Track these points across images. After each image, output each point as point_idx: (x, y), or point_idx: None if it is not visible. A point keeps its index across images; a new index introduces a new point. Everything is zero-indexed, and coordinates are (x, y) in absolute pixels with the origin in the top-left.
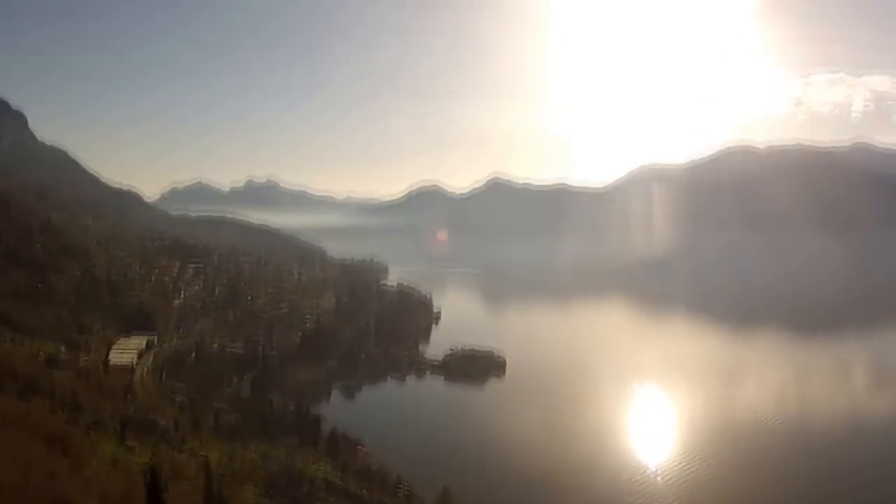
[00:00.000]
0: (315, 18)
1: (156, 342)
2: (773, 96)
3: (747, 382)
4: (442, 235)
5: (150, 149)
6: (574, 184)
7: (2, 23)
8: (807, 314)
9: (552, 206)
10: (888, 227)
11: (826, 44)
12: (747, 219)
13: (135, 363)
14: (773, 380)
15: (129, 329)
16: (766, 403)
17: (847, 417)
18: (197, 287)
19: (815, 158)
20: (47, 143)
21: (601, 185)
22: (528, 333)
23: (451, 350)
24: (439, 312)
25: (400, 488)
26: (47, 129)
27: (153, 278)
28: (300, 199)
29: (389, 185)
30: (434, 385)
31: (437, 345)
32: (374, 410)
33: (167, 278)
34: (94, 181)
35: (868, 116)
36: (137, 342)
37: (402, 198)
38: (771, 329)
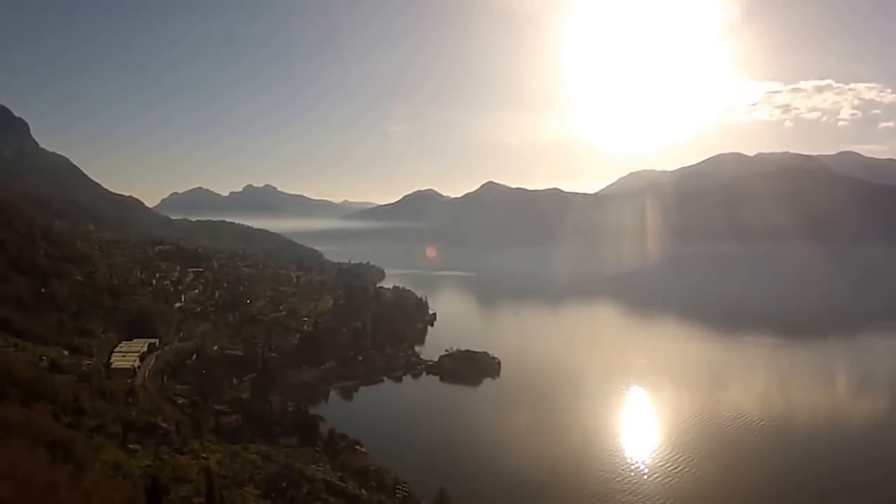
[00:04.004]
0: (315, 29)
1: (157, 345)
2: (761, 104)
3: (734, 386)
4: (436, 243)
5: (151, 158)
6: (567, 189)
7: (4, 31)
8: (792, 321)
9: (545, 210)
10: (874, 235)
11: (813, 53)
12: (736, 227)
13: (136, 366)
14: (758, 383)
15: (130, 333)
16: (751, 406)
17: (830, 420)
18: (197, 291)
19: (803, 166)
20: (49, 150)
21: (594, 191)
22: (522, 336)
23: (447, 351)
24: (435, 314)
25: (398, 488)
26: (49, 137)
27: (154, 283)
28: (298, 204)
29: (386, 194)
30: (430, 385)
31: (433, 346)
32: (371, 411)
33: (168, 283)
34: (96, 188)
35: (855, 124)
36: (139, 346)
37: (398, 202)
38: (757, 335)
